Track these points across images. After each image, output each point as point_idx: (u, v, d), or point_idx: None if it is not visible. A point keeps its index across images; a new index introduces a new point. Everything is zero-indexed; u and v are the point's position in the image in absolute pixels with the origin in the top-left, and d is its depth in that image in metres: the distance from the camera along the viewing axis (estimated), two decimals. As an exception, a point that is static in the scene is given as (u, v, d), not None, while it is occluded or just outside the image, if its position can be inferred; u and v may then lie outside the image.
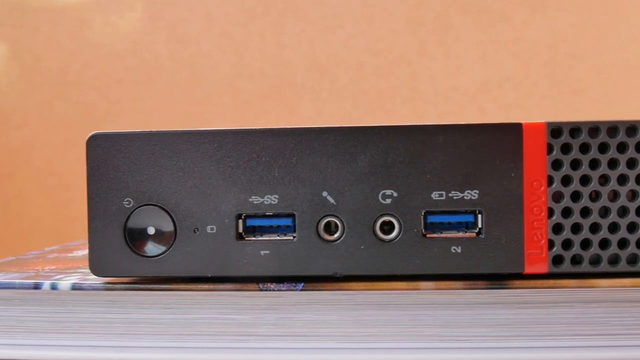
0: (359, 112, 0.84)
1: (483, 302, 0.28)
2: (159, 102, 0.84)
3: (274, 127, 0.28)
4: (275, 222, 0.28)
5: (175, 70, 0.84)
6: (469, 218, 0.28)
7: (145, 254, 0.28)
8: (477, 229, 0.28)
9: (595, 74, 0.81)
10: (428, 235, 0.28)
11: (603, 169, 0.27)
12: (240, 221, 0.28)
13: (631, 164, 0.27)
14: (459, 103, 0.84)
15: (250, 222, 0.28)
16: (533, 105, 0.82)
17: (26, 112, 0.84)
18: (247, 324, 0.28)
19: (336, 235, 0.28)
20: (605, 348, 0.28)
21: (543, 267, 0.28)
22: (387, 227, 0.28)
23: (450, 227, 0.28)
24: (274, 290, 0.28)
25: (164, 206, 0.27)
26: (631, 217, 0.28)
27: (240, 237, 0.28)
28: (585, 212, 0.28)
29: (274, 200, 0.27)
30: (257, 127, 0.28)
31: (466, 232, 0.28)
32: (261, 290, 0.28)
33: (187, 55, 0.84)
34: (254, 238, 0.28)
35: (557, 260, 0.28)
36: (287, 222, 0.28)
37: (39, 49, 0.85)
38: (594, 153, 0.27)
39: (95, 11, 0.85)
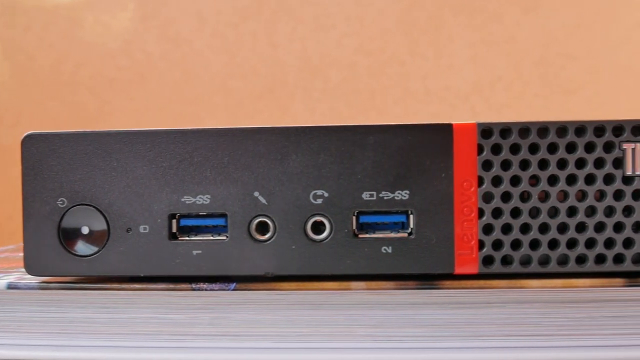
0: (351, 111, 0.84)
1: (416, 303, 0.28)
2: (151, 101, 0.84)
3: (206, 127, 0.28)
4: (208, 222, 0.28)
5: (167, 69, 0.84)
6: (401, 218, 0.28)
7: (79, 254, 0.28)
8: (409, 229, 0.28)
9: (587, 74, 0.81)
10: (359, 236, 0.28)
11: (533, 169, 0.28)
12: (174, 221, 0.28)
13: (561, 164, 0.28)
14: (450, 103, 0.84)
15: (184, 222, 0.28)
16: (525, 105, 0.82)
17: (19, 111, 0.85)
18: (183, 323, 0.29)
19: (267, 236, 0.28)
20: (538, 349, 0.29)
21: (473, 268, 0.28)
22: (318, 227, 0.28)
23: (381, 227, 0.28)
24: (206, 290, 0.28)
25: (98, 206, 0.28)
26: (561, 217, 0.28)
27: (173, 237, 0.28)
28: (515, 212, 0.28)
29: (206, 201, 0.28)
30: (189, 128, 0.28)
31: (397, 232, 0.28)
32: (194, 290, 0.28)
33: (179, 54, 0.85)
34: (187, 238, 0.28)
35: (488, 260, 0.28)
36: (219, 222, 0.28)
37: (31, 49, 0.86)
38: (524, 154, 0.28)
39: (87, 11, 0.86)
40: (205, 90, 0.85)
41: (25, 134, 0.28)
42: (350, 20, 0.84)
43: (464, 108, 0.83)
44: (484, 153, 0.28)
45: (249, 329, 0.29)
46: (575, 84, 0.82)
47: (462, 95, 0.83)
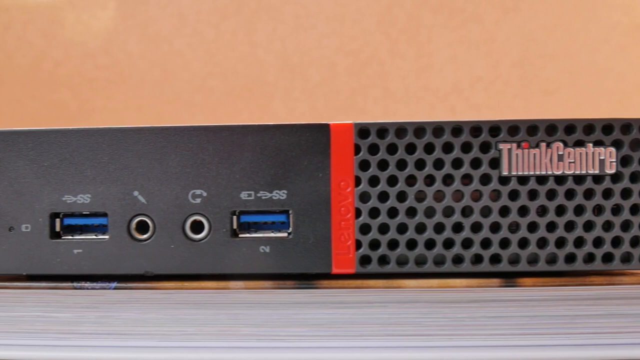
0: (331, 111, 0.84)
1: (297, 302, 0.29)
2: (131, 100, 0.85)
3: (86, 127, 0.28)
4: (89, 221, 0.29)
5: (147, 69, 0.85)
6: (282, 218, 0.29)
7: (-37, 252, 0.29)
8: (289, 229, 0.28)
9: (567, 75, 0.81)
10: (237, 235, 0.28)
11: (410, 169, 0.28)
12: (58, 220, 0.29)
13: (438, 164, 0.28)
14: (430, 103, 0.84)
15: (67, 221, 0.29)
16: (504, 105, 0.82)
17: (-2, 110, 0.86)
18: (69, 322, 0.29)
19: (147, 235, 0.28)
20: (420, 349, 0.29)
21: (350, 267, 0.28)
22: (197, 227, 0.28)
23: (260, 226, 0.29)
24: (88, 288, 0.29)
25: (-20, 204, 0.29)
26: (438, 217, 0.28)
27: (55, 235, 0.29)
28: (392, 212, 0.28)
29: (86, 200, 0.28)
30: (70, 127, 0.28)
31: (276, 232, 0.29)
32: (76, 288, 0.29)
33: (159, 54, 0.85)
34: (70, 237, 0.29)
35: (365, 260, 0.28)
36: (101, 221, 0.29)
37: (11, 47, 0.87)
38: (401, 154, 0.28)
39: (67, 10, 0.87)
40: (185, 89, 0.85)
41: None
42: (330, 20, 0.84)
43: (443, 108, 0.84)
44: (361, 153, 0.28)
45: (134, 327, 0.29)
46: (555, 84, 0.82)
47: (441, 95, 0.83)
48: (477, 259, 0.28)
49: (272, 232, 0.29)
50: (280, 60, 0.84)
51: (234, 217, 0.28)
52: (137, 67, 0.85)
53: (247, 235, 0.28)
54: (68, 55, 0.86)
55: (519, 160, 0.28)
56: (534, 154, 0.28)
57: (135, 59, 0.85)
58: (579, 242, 0.28)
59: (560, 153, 0.28)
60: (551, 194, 0.28)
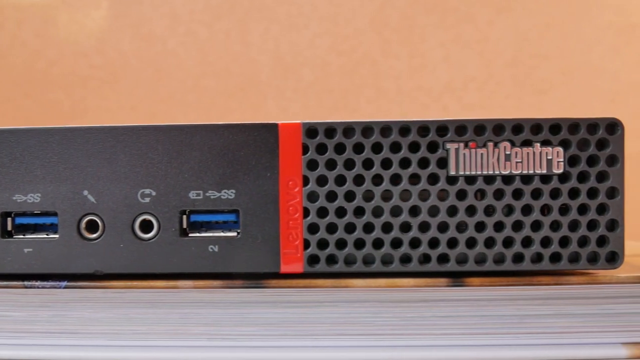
0: (324, 111, 0.84)
1: (248, 301, 0.29)
2: (125, 100, 0.86)
3: (36, 126, 0.29)
4: (40, 220, 0.29)
5: (140, 68, 0.86)
6: (231, 217, 0.29)
7: None
8: (239, 228, 0.28)
9: (559, 74, 0.81)
10: (186, 235, 0.29)
11: (358, 169, 0.28)
12: (10, 219, 0.29)
13: (386, 164, 0.28)
14: (423, 102, 0.84)
15: (19, 221, 0.29)
16: (497, 105, 0.82)
17: (-8, 110, 0.86)
18: (23, 320, 0.30)
19: (97, 234, 0.29)
20: (371, 348, 0.29)
21: (299, 267, 0.28)
22: (147, 226, 0.29)
23: (211, 226, 0.29)
24: (39, 287, 0.29)
25: None
26: (386, 217, 0.28)
27: (6, 234, 0.29)
28: (340, 212, 0.28)
29: (36, 199, 0.29)
30: (20, 127, 0.29)
31: (225, 231, 0.29)
32: (26, 287, 0.29)
33: (152, 53, 0.86)
34: (22, 236, 0.29)
35: (313, 259, 0.28)
36: (51, 220, 0.29)
37: (4, 47, 0.87)
38: (348, 153, 0.28)
39: (60, 9, 0.87)
40: (178, 88, 0.86)
41: None
42: (323, 19, 0.84)
43: (436, 107, 0.84)
44: (309, 153, 0.28)
45: (86, 326, 0.30)
46: (548, 84, 0.82)
47: (434, 95, 0.84)
48: (425, 258, 0.28)
49: (222, 231, 0.29)
50: (273, 59, 0.84)
51: (184, 217, 0.28)
52: (131, 67, 0.85)
53: (196, 234, 0.29)
54: (61, 55, 0.86)
55: (466, 160, 0.28)
56: (482, 153, 0.28)
57: (128, 58, 0.85)
58: (527, 242, 0.28)
59: (508, 153, 0.28)
60: (499, 194, 0.28)
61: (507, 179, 0.28)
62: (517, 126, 0.28)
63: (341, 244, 0.28)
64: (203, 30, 0.84)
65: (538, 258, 0.28)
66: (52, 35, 0.85)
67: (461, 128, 0.28)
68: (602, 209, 0.28)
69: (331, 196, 0.28)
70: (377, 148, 0.28)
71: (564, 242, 0.28)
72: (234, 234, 0.29)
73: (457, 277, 0.28)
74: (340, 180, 0.28)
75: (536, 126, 0.28)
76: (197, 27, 0.84)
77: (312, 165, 0.28)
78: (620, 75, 0.79)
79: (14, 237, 0.29)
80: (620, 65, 0.80)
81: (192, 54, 0.84)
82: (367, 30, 0.83)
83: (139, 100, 0.84)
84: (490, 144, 0.28)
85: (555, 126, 0.28)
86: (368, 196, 0.28)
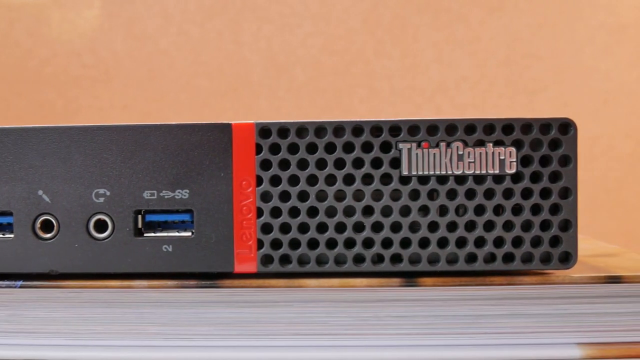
0: (316, 110, 0.85)
1: (203, 301, 0.29)
2: (117, 99, 0.86)
3: (-9, 127, 0.29)
4: (-4, 219, 0.29)
5: (133, 67, 0.86)
6: (185, 217, 0.29)
7: None
8: (192, 228, 0.29)
9: (552, 74, 0.81)
10: (140, 234, 0.29)
11: (311, 169, 0.28)
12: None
13: (339, 164, 0.28)
14: (415, 102, 0.84)
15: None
16: (489, 104, 0.82)
17: (-16, 109, 0.87)
18: (-20, 319, 0.30)
19: (51, 234, 0.29)
20: (327, 348, 0.29)
21: (252, 267, 0.28)
22: (101, 226, 0.29)
23: (167, 226, 0.29)
24: (-6, 286, 0.29)
25: None
26: (339, 217, 0.28)
27: (-38, 234, 0.29)
28: (294, 212, 0.28)
29: (-9, 199, 0.29)
30: (-26, 127, 0.29)
31: (180, 231, 0.29)
32: (-18, 286, 0.29)
33: (144, 53, 0.86)
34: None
35: (266, 259, 0.29)
36: (7, 220, 0.29)
37: (-3, 47, 0.87)
38: (302, 153, 0.28)
39: (53, 8, 0.88)
40: (170, 88, 0.86)
41: None
42: (316, 19, 0.84)
43: (428, 107, 0.84)
44: (262, 153, 0.28)
45: (44, 326, 0.30)
46: (540, 83, 0.82)
47: (427, 95, 0.84)
48: (379, 258, 0.28)
49: (177, 231, 0.29)
50: (265, 59, 0.84)
51: (139, 217, 0.29)
52: (123, 66, 0.86)
53: (151, 234, 0.29)
54: (54, 54, 0.87)
55: (419, 160, 0.28)
56: (434, 153, 0.28)
57: (121, 57, 0.86)
58: (480, 242, 0.28)
59: (460, 153, 0.28)
60: (451, 194, 0.28)
61: (460, 179, 0.28)
62: (470, 126, 0.28)
63: (295, 244, 0.28)
64: (195, 30, 0.84)
65: (491, 258, 0.28)
66: (44, 35, 0.85)
67: (414, 128, 0.28)
68: (555, 209, 0.28)
69: (284, 196, 0.28)
70: (330, 148, 0.28)
71: (517, 242, 0.28)
72: (189, 234, 0.29)
73: (410, 277, 0.28)
74: (294, 180, 0.28)
75: (489, 126, 0.28)
76: (189, 27, 0.84)
77: (265, 165, 0.28)
78: (612, 74, 0.79)
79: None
80: (611, 65, 0.80)
81: (184, 53, 0.84)
82: (359, 30, 0.83)
83: (131, 99, 0.84)
84: (443, 144, 0.28)
85: (508, 126, 0.28)
86: (321, 196, 0.28)
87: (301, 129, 0.28)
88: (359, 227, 0.28)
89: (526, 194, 0.28)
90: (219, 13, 0.84)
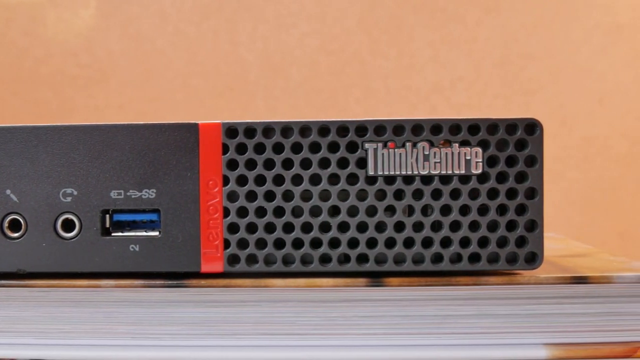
0: (312, 110, 0.85)
1: (171, 301, 0.29)
2: (112, 99, 0.86)
3: (-41, 126, 0.29)
4: (-36, 219, 0.29)
5: (128, 67, 0.86)
6: (153, 217, 0.29)
7: None
8: (160, 227, 0.29)
9: (547, 74, 0.81)
10: (108, 234, 0.29)
11: (278, 169, 0.28)
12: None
13: (305, 164, 0.28)
14: (411, 102, 0.84)
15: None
16: (485, 105, 0.83)
17: (-20, 108, 0.87)
18: (-50, 318, 0.30)
19: (19, 233, 0.29)
20: (296, 347, 0.29)
21: (219, 266, 0.29)
22: (69, 225, 0.29)
23: (135, 225, 0.29)
24: (-37, 285, 0.29)
25: None
26: (305, 217, 0.28)
27: None
28: (260, 212, 0.28)
29: (-40, 198, 0.29)
30: (-57, 127, 0.29)
31: (147, 231, 0.29)
32: (-49, 285, 0.29)
33: (140, 52, 0.86)
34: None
35: (233, 259, 0.29)
36: (-24, 219, 0.29)
37: (-7, 46, 0.88)
38: (268, 153, 0.28)
39: (49, 8, 0.88)
40: (166, 88, 0.86)
41: None
42: (312, 19, 0.84)
43: (424, 107, 0.84)
44: (229, 152, 0.28)
45: (12, 325, 0.30)
46: (536, 84, 0.82)
47: (422, 95, 0.84)
48: (345, 258, 0.28)
49: (145, 230, 0.29)
50: (261, 59, 0.84)
51: (107, 216, 0.29)
52: (119, 66, 0.86)
53: (118, 234, 0.29)
54: (49, 54, 0.87)
55: (385, 160, 0.28)
56: (400, 153, 0.28)
57: (116, 57, 0.86)
58: (446, 242, 0.28)
59: (427, 153, 0.28)
60: (418, 194, 0.28)
61: (426, 179, 0.28)
62: (436, 126, 0.28)
63: (261, 244, 0.29)
64: (191, 30, 0.84)
65: (457, 258, 0.28)
66: (40, 34, 0.86)
67: (380, 128, 0.28)
68: (521, 210, 0.28)
69: (251, 196, 0.28)
70: (296, 148, 0.28)
71: (483, 242, 0.28)
72: (157, 233, 0.29)
73: (376, 277, 0.28)
74: (260, 180, 0.28)
75: (455, 126, 0.28)
76: (185, 27, 0.85)
77: (232, 165, 0.28)
78: (608, 75, 0.79)
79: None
80: (607, 65, 0.79)
81: (180, 53, 0.85)
82: (355, 30, 0.83)
83: (127, 99, 0.85)
84: (409, 144, 0.28)
85: (474, 126, 0.28)
86: (288, 196, 0.28)
87: (268, 129, 0.28)
88: (325, 227, 0.28)
89: (492, 194, 0.28)
90: (215, 13, 0.84)
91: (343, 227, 0.28)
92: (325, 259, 0.29)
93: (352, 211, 0.28)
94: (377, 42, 0.83)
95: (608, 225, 0.80)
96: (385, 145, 0.28)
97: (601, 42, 0.80)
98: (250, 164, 0.28)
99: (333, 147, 0.28)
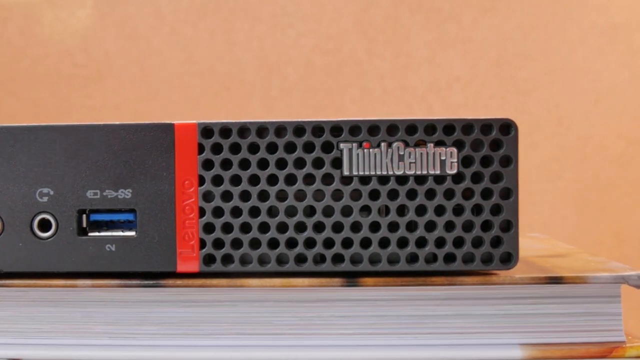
0: (308, 110, 0.85)
1: (148, 300, 0.29)
2: (109, 99, 0.86)
3: (-63, 126, 0.29)
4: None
5: (125, 67, 0.86)
6: (129, 217, 0.29)
7: None
8: (136, 227, 0.29)
9: (543, 75, 0.81)
10: (84, 234, 0.29)
11: (253, 169, 0.28)
12: None
13: (281, 164, 0.28)
14: (407, 102, 0.84)
15: None
16: (481, 105, 0.83)
17: (-23, 108, 0.87)
18: None
19: (-4, 233, 0.29)
20: (272, 347, 0.29)
21: (195, 266, 0.29)
22: (45, 225, 0.29)
23: (112, 225, 0.29)
24: (-60, 285, 0.29)
25: None
26: (281, 217, 0.28)
27: None
28: (236, 212, 0.29)
29: (-63, 198, 0.29)
30: None
31: (123, 231, 0.29)
32: None
33: (137, 52, 0.86)
34: None
35: (209, 259, 0.29)
36: (-46, 219, 0.29)
37: (-11, 46, 0.88)
38: (243, 153, 0.28)
39: (45, 7, 0.88)
40: (162, 87, 0.86)
41: None
42: (308, 19, 0.84)
43: (420, 107, 0.84)
44: (205, 152, 0.28)
45: (-9, 324, 0.30)
46: (532, 84, 0.82)
47: (419, 95, 0.84)
48: (320, 258, 0.28)
49: (121, 230, 0.29)
50: (258, 59, 0.84)
51: (83, 216, 0.29)
52: (115, 66, 0.86)
53: (94, 234, 0.29)
54: (46, 53, 0.87)
55: (359, 160, 0.28)
56: (375, 153, 0.28)
57: (113, 57, 0.86)
58: (421, 242, 0.28)
59: (401, 153, 0.28)
60: (393, 194, 0.28)
61: (401, 180, 0.28)
62: (411, 126, 0.28)
63: (237, 244, 0.29)
64: (188, 30, 0.85)
65: (433, 258, 0.28)
66: (36, 34, 0.86)
67: (355, 128, 0.28)
68: (496, 210, 0.28)
69: (227, 196, 0.29)
70: (272, 148, 0.28)
71: (459, 242, 0.28)
72: (133, 233, 0.29)
73: (351, 277, 0.28)
74: (236, 180, 0.28)
75: (430, 126, 0.28)
76: (181, 27, 0.85)
77: (207, 165, 0.28)
78: (604, 75, 0.79)
79: None
80: (603, 66, 0.79)
81: (176, 53, 0.85)
82: (351, 30, 0.83)
83: (123, 99, 0.85)
84: (384, 144, 0.28)
85: (449, 126, 0.28)
86: (263, 196, 0.28)
87: (243, 129, 0.28)
88: (300, 227, 0.29)
89: (467, 194, 0.28)
90: (211, 13, 0.84)
91: (318, 227, 0.28)
92: (300, 259, 0.29)
93: (328, 211, 0.28)
94: (373, 42, 0.83)
95: (604, 225, 0.80)
96: (360, 146, 0.28)
97: (597, 42, 0.80)
98: (226, 164, 0.29)
99: (308, 147, 0.28)
